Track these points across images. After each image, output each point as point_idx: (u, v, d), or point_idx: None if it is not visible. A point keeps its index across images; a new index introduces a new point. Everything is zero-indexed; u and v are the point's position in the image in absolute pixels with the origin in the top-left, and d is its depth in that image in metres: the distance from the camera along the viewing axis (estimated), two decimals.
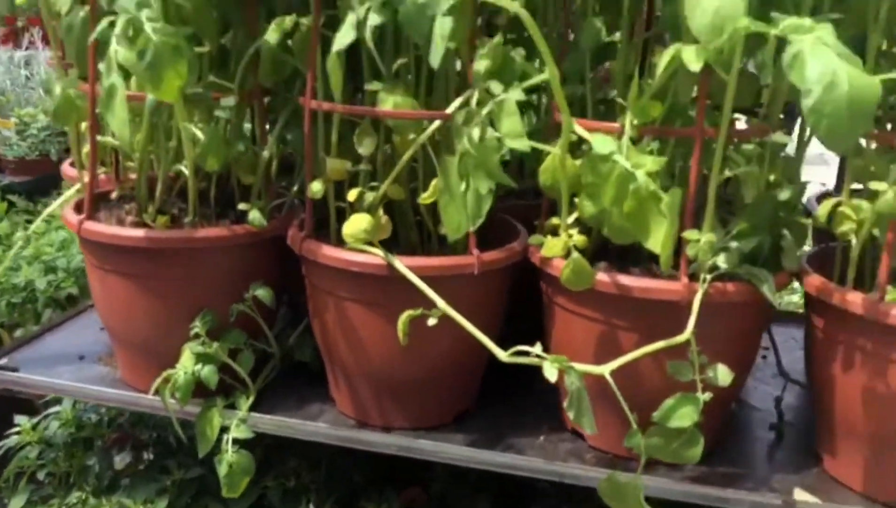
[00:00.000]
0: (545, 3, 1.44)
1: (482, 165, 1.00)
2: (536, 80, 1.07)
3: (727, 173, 1.20)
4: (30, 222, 2.86)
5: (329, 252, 1.32)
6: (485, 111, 1.01)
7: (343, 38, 1.03)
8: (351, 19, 1.02)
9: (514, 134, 0.98)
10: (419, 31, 1.01)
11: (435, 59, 1.00)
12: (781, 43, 0.97)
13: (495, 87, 1.04)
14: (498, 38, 1.21)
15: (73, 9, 1.51)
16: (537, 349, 1.14)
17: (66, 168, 1.85)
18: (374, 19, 1.01)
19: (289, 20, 1.34)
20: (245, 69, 1.41)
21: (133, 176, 1.59)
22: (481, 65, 1.24)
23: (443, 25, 0.96)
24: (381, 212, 1.34)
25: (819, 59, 0.90)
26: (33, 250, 2.43)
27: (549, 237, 1.29)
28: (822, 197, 1.71)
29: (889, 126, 1.32)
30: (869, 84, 0.88)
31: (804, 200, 1.74)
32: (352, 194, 1.32)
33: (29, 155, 3.07)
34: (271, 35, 1.33)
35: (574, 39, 1.32)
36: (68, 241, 2.52)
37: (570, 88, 1.35)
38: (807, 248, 1.43)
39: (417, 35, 1.02)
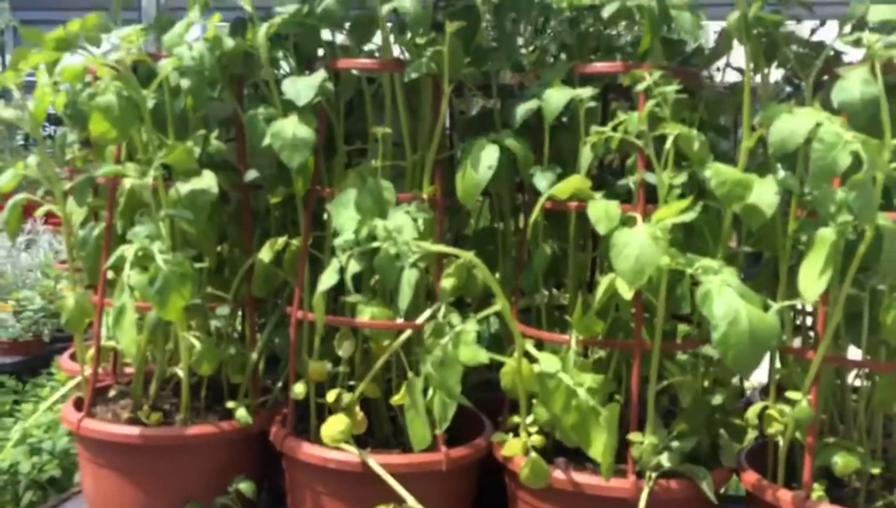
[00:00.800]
0: (505, 229, 1.64)
1: (443, 387, 1.15)
2: (490, 311, 1.25)
3: (664, 382, 1.35)
4: (17, 402, 2.93)
5: (308, 450, 1.43)
6: (444, 340, 1.17)
7: (327, 280, 1.21)
8: (334, 264, 1.21)
9: (471, 361, 1.14)
10: (390, 278, 1.19)
11: (403, 303, 1.17)
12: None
13: (455, 319, 1.22)
14: (460, 261, 1.40)
15: (87, 223, 1.70)
16: None
17: (65, 361, 1.98)
18: (354, 267, 1.20)
19: (281, 241, 1.53)
20: (240, 282, 1.59)
21: (129, 370, 1.72)
22: (448, 282, 1.42)
23: (410, 277, 1.15)
24: (357, 409, 1.48)
25: (723, 299, 1.08)
26: (21, 431, 2.49)
27: (511, 436, 1.42)
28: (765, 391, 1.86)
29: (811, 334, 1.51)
30: (766, 321, 1.06)
31: (750, 393, 1.90)
32: (330, 396, 1.45)
33: (22, 336, 3.19)
34: (265, 254, 1.52)
35: (528, 259, 1.51)
36: (56, 422, 2.59)
37: (527, 299, 1.53)
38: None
39: (388, 281, 1.20)
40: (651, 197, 1.35)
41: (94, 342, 1.57)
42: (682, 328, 1.55)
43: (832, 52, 1.39)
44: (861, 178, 1.09)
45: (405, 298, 1.17)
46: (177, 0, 3.41)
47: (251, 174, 1.56)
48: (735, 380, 1.59)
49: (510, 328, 1.21)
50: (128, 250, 1.34)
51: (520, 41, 1.75)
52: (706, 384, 1.42)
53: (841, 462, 1.29)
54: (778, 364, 1.43)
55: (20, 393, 3.05)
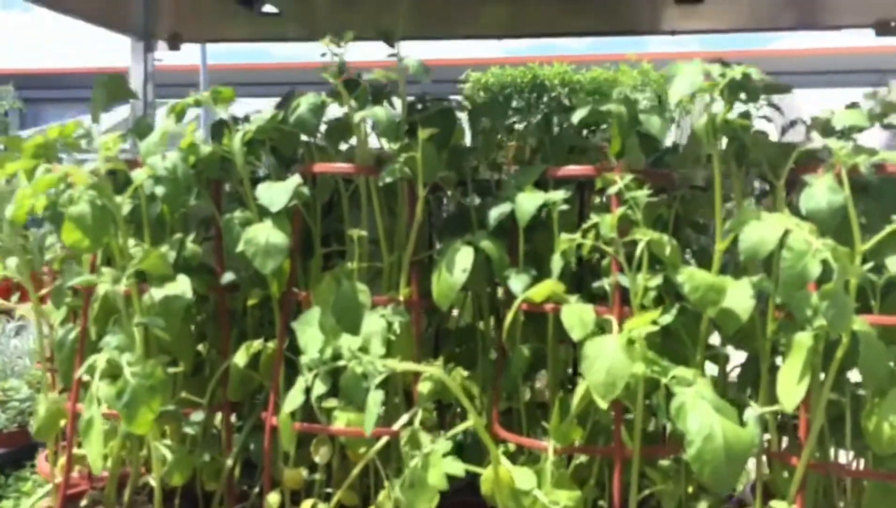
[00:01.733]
0: (485, 327, 1.63)
1: None
2: (461, 427, 1.22)
3: (647, 491, 1.32)
4: None
5: None
6: (414, 461, 1.14)
7: (292, 401, 1.19)
8: (300, 384, 1.19)
9: (440, 485, 1.11)
10: (356, 398, 1.18)
11: (368, 427, 1.15)
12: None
13: (425, 438, 1.19)
14: (436, 368, 1.37)
15: (65, 323, 1.69)
16: None
17: (42, 463, 1.93)
18: (320, 387, 1.18)
19: (256, 344, 1.52)
20: (216, 385, 1.56)
21: (105, 473, 1.68)
22: (424, 387, 1.40)
23: (376, 398, 1.12)
24: None
25: (698, 413, 1.05)
26: None
27: None
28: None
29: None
30: (742, 436, 1.04)
31: (741, 491, 1.85)
32: (305, 506, 1.41)
33: (7, 427, 3.13)
34: (240, 358, 1.50)
35: (507, 361, 1.49)
36: None
37: (505, 402, 1.50)
38: None
39: (355, 400, 1.18)
40: (629, 298, 1.34)
41: (67, 451, 1.54)
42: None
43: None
44: (832, 288, 1.08)
45: (371, 419, 1.14)
46: (166, 90, 3.47)
47: (228, 277, 1.56)
48: None
49: (484, 441, 1.18)
50: (98, 360, 1.32)
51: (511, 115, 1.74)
52: (690, 489, 1.37)
53: None
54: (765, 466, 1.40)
55: (2, 487, 2.98)
